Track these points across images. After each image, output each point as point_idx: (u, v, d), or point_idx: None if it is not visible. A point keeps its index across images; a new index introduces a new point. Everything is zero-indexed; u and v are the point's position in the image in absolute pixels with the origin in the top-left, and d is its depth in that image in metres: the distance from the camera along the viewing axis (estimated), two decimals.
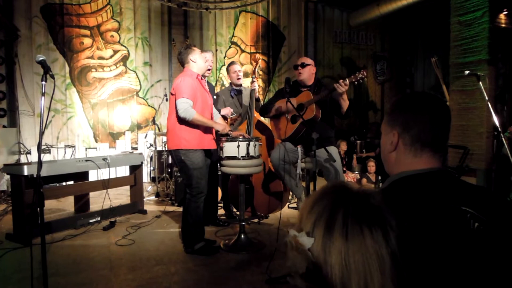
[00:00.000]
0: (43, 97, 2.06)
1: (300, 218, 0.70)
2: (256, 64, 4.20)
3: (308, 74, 3.61)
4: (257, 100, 4.22)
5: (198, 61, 3.29)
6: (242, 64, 7.76)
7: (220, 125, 3.31)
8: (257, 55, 4.33)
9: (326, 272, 0.62)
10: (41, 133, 2.03)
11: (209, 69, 3.91)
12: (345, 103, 3.32)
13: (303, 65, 3.59)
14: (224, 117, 4.04)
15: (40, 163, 2.06)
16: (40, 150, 2.08)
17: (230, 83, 4.38)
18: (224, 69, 7.85)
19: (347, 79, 3.16)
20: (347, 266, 0.61)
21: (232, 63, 4.37)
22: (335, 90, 3.20)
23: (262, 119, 4.28)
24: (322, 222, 0.64)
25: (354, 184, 0.71)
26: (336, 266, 0.61)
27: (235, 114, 4.10)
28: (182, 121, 3.14)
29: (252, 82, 4.10)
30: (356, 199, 0.66)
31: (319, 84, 3.65)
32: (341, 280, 0.61)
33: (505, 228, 0.90)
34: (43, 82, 2.06)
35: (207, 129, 3.27)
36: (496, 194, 0.98)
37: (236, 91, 4.30)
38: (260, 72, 8.13)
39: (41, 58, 2.08)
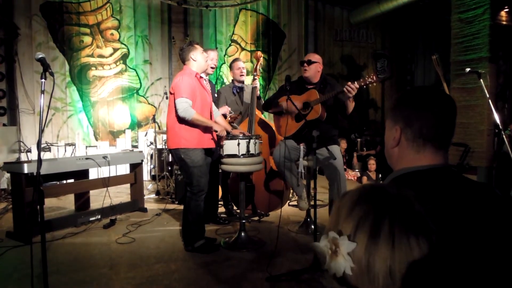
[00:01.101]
0: (42, 95, 2.06)
1: (336, 219, 0.67)
2: (258, 61, 4.18)
3: (314, 71, 3.52)
4: (258, 98, 4.21)
5: (198, 59, 3.28)
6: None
7: (219, 126, 3.29)
8: (259, 53, 4.28)
9: (368, 279, 0.61)
10: (41, 131, 2.02)
11: (212, 68, 3.90)
12: (351, 105, 3.27)
13: (310, 62, 3.50)
14: (224, 116, 4.03)
15: (40, 161, 2.05)
16: (40, 148, 2.07)
17: (232, 80, 4.38)
18: (224, 67, 7.86)
19: (356, 82, 3.08)
20: (392, 275, 0.60)
21: (236, 60, 4.37)
22: (343, 92, 3.14)
23: (263, 117, 4.27)
24: (366, 228, 0.63)
25: (391, 189, 0.69)
26: (380, 274, 0.60)
27: (233, 113, 4.07)
28: (181, 120, 3.14)
29: (254, 80, 4.09)
30: (401, 205, 0.64)
31: (325, 82, 3.58)
32: None
33: (508, 225, 0.89)
34: (43, 80, 2.05)
35: (206, 128, 3.27)
36: (499, 190, 0.96)
37: (238, 88, 4.29)
38: (261, 70, 8.12)
39: (40, 56, 2.08)
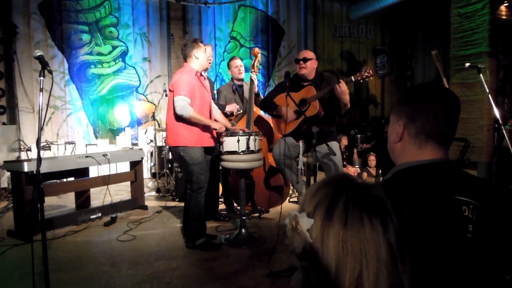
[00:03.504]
0: (41, 93, 2.05)
1: (303, 201, 0.71)
2: (256, 58, 4.15)
3: (310, 68, 3.54)
4: (257, 95, 4.20)
5: (201, 58, 3.27)
6: (241, 59, 7.72)
7: (217, 124, 3.29)
8: (256, 49, 4.24)
9: (322, 253, 0.64)
10: (40, 129, 2.02)
11: (209, 62, 3.89)
12: (344, 106, 3.27)
13: (305, 60, 3.51)
14: (230, 113, 4.06)
15: (39, 159, 2.05)
16: (39, 146, 2.07)
17: (231, 78, 4.37)
18: (223, 64, 7.84)
19: (352, 77, 3.17)
20: (344, 249, 0.62)
21: (233, 58, 4.35)
22: (334, 90, 3.18)
23: (262, 113, 4.26)
24: (323, 205, 0.66)
25: (359, 178, 0.72)
26: (332, 248, 0.63)
27: (241, 111, 4.09)
28: (180, 118, 3.13)
29: (251, 76, 4.08)
30: (359, 188, 0.68)
31: (320, 78, 3.60)
32: (336, 262, 0.62)
33: (506, 219, 0.89)
34: (41, 78, 2.05)
35: (206, 126, 3.26)
36: (499, 185, 0.97)
37: (237, 86, 4.29)
38: (259, 67, 8.08)
39: (38, 54, 2.07)
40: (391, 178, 1.00)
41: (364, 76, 3.14)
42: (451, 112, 1.00)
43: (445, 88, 1.04)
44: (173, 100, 3.12)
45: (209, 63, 3.90)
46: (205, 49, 3.36)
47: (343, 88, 3.13)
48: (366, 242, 0.62)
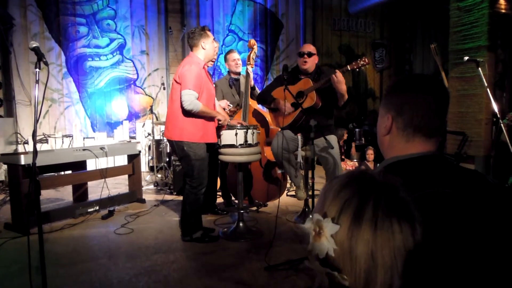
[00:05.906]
0: (37, 84, 2.04)
1: (323, 202, 0.68)
2: (252, 50, 4.13)
3: (312, 63, 3.59)
4: (253, 88, 4.18)
5: (207, 48, 3.18)
6: (239, 52, 7.69)
7: (222, 115, 3.29)
8: (252, 41, 4.19)
9: (350, 261, 0.62)
10: (36, 121, 2.00)
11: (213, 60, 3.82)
12: (341, 96, 3.28)
13: (310, 55, 3.55)
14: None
15: (35, 151, 2.04)
16: (35, 139, 2.05)
17: (228, 72, 4.34)
18: (221, 57, 7.79)
19: (348, 66, 3.19)
20: (374, 258, 0.61)
21: (230, 51, 4.31)
22: (330, 81, 3.20)
23: (258, 107, 4.25)
24: (350, 210, 0.63)
25: (379, 176, 0.69)
26: (362, 257, 0.61)
27: (231, 106, 4.05)
28: (186, 112, 3.06)
29: (247, 69, 4.06)
30: (386, 191, 0.65)
31: (319, 72, 3.61)
32: (366, 271, 0.61)
33: (498, 212, 0.88)
34: (37, 70, 2.03)
35: (210, 122, 3.22)
36: (489, 177, 0.96)
37: (234, 80, 4.26)
38: (257, 60, 8.03)
39: (34, 45, 2.05)
40: (379, 172, 0.99)
41: (360, 65, 3.16)
42: (441, 104, 0.98)
43: (434, 79, 1.02)
44: (181, 93, 3.02)
45: (212, 61, 3.81)
46: (213, 39, 3.25)
47: (339, 78, 3.14)
48: (397, 250, 0.61)
